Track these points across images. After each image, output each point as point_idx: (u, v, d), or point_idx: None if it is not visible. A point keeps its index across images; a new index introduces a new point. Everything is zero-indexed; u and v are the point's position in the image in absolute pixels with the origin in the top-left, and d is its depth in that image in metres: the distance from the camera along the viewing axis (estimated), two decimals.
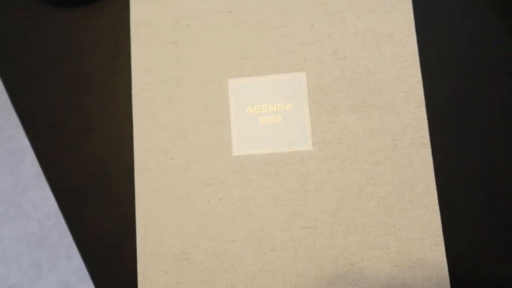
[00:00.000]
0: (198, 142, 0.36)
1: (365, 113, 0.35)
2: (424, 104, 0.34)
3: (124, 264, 0.36)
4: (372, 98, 0.35)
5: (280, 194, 0.35)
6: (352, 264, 0.33)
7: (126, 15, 0.39)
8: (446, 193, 0.34)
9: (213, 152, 0.36)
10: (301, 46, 0.36)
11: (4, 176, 1.22)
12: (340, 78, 0.35)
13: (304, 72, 0.36)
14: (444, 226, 0.33)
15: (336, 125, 0.35)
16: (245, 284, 0.34)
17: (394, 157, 0.34)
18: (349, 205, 0.34)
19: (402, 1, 0.36)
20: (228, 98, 0.36)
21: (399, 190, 0.34)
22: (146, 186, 0.36)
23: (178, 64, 0.37)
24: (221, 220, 0.35)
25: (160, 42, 0.38)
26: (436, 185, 0.34)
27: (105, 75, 0.39)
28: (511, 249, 0.33)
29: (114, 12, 0.41)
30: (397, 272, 0.33)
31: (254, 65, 0.36)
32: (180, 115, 0.37)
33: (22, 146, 1.23)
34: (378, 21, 0.36)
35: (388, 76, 0.35)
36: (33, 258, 1.17)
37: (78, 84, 0.40)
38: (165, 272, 0.35)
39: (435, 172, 0.34)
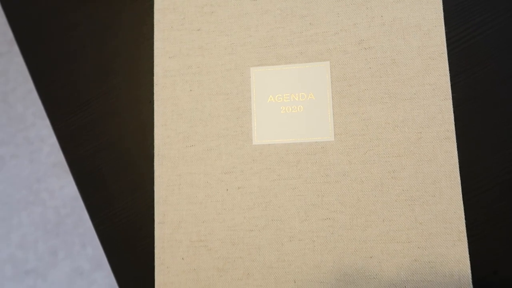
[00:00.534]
0: (218, 130, 0.36)
1: (389, 105, 0.34)
2: (451, 97, 0.33)
3: (141, 250, 0.37)
4: (397, 89, 0.34)
5: (299, 184, 0.34)
6: (371, 257, 0.33)
7: (151, 1, 0.39)
8: (471, 189, 0.33)
9: (233, 140, 0.36)
10: (325, 35, 0.36)
11: (24, 163, 1.24)
12: (364, 68, 0.35)
13: (327, 62, 0.35)
14: (468, 222, 0.33)
15: (359, 116, 0.34)
16: (262, 273, 0.34)
17: (418, 150, 0.33)
18: (370, 198, 0.33)
19: None
20: (250, 86, 0.36)
21: (421, 184, 0.33)
22: (165, 172, 0.36)
23: (200, 51, 0.37)
24: (239, 209, 0.35)
25: (183, 29, 0.38)
26: (461, 180, 0.33)
27: (128, 62, 0.40)
28: None
29: None
30: (417, 267, 0.32)
31: (277, 54, 0.36)
32: (201, 103, 0.36)
33: (41, 135, 1.25)
34: (406, 11, 0.35)
35: (414, 67, 0.34)
36: (48, 245, 1.19)
37: (100, 70, 0.40)
38: (182, 258, 0.35)
39: (459, 167, 0.33)
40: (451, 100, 0.33)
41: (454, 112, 0.34)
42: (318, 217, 0.34)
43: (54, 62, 0.41)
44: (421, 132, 0.33)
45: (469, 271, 0.31)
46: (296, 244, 0.34)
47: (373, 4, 0.35)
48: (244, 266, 0.34)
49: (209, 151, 0.36)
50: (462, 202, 0.32)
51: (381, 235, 0.33)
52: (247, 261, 0.34)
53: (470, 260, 0.32)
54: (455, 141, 0.33)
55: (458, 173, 0.33)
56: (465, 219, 0.32)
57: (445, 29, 0.35)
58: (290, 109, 0.35)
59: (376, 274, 0.32)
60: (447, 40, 0.35)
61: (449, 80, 0.34)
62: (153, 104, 0.38)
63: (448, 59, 0.34)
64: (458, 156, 0.33)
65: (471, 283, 0.31)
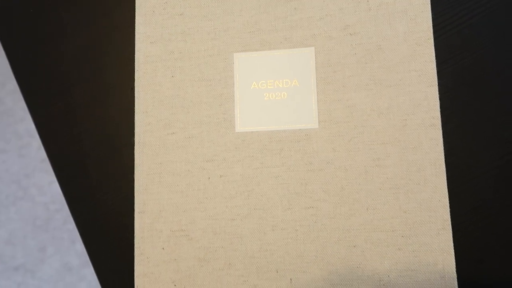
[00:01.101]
0: (200, 117, 0.35)
1: (374, 92, 0.33)
2: (437, 84, 0.33)
3: (121, 240, 0.36)
4: (382, 76, 0.33)
5: (283, 172, 0.34)
6: (354, 247, 0.32)
7: None
8: (456, 177, 0.33)
9: (216, 128, 0.35)
10: (310, 20, 0.35)
11: (13, 158, 1.22)
12: (349, 54, 0.34)
13: (312, 47, 0.34)
14: (452, 211, 0.32)
15: (343, 103, 0.34)
16: (244, 263, 0.33)
17: (403, 138, 0.33)
18: (354, 186, 0.33)
19: None
20: (233, 72, 0.35)
21: (406, 171, 0.32)
22: (146, 160, 0.35)
23: (183, 36, 0.36)
24: (221, 198, 0.34)
25: (165, 14, 0.37)
26: (446, 168, 0.32)
27: (109, 47, 0.39)
28: None
29: None
30: (401, 256, 0.31)
31: (261, 40, 0.35)
32: (183, 89, 0.36)
33: (30, 129, 1.23)
34: None
35: (400, 54, 0.34)
36: (37, 241, 1.17)
37: (80, 56, 0.39)
38: (163, 248, 0.34)
39: (445, 155, 0.32)
40: (437, 87, 0.33)
41: (440, 100, 0.33)
42: (301, 205, 0.33)
43: (32, 48, 0.40)
44: (406, 119, 0.33)
45: (453, 260, 0.31)
46: (279, 233, 0.33)
47: None
48: (225, 256, 0.33)
49: (190, 139, 0.35)
50: (447, 191, 0.32)
51: (365, 224, 0.32)
52: (228, 250, 0.33)
53: (455, 249, 0.31)
54: (440, 128, 0.32)
55: (443, 161, 0.32)
56: (450, 207, 0.32)
57: (432, 15, 0.34)
58: (274, 95, 0.35)
59: (359, 263, 0.32)
60: (434, 26, 0.34)
61: (435, 67, 0.33)
62: (134, 91, 0.37)
63: (435, 46, 0.34)
64: (444, 144, 0.33)
65: (455, 272, 0.31)
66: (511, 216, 0.32)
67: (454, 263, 0.31)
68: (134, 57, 0.37)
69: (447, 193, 0.32)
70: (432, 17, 0.34)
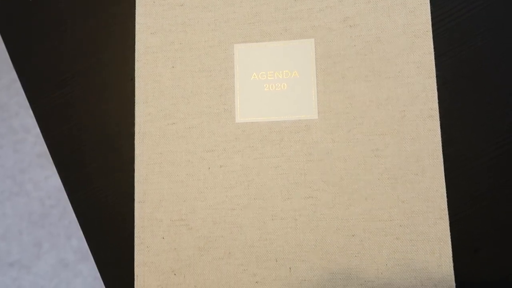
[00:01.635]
0: (201, 108, 0.35)
1: (373, 83, 0.34)
2: (435, 75, 0.33)
3: (121, 230, 0.36)
4: (381, 67, 0.34)
5: (282, 162, 0.34)
6: (353, 236, 0.32)
7: None
8: (454, 167, 0.33)
9: (216, 118, 0.35)
10: (310, 12, 0.35)
11: (8, 153, 1.22)
12: (349, 46, 0.34)
13: (312, 39, 0.35)
14: (450, 201, 0.32)
15: (343, 94, 0.34)
16: (243, 252, 0.33)
17: (401, 129, 0.33)
18: (353, 176, 0.33)
19: None
20: (233, 63, 0.35)
21: (404, 162, 0.33)
22: (146, 150, 0.35)
23: (183, 27, 0.36)
24: (221, 188, 0.34)
25: (166, 4, 0.37)
26: (444, 159, 0.33)
27: (109, 38, 0.39)
28: None
29: None
30: (399, 245, 0.32)
31: (261, 31, 0.35)
32: (183, 80, 0.36)
33: (25, 124, 1.22)
34: None
35: (399, 45, 0.34)
36: (33, 236, 1.17)
37: (80, 47, 0.39)
38: (163, 238, 0.34)
39: (442, 146, 0.33)
40: (435, 79, 0.33)
41: (438, 91, 0.33)
42: (300, 195, 0.33)
43: (32, 39, 0.40)
44: (404, 111, 0.33)
45: (450, 249, 0.31)
46: (278, 223, 0.33)
47: None
48: (225, 245, 0.34)
49: (191, 129, 0.35)
50: (444, 181, 0.32)
51: (364, 214, 0.32)
52: (228, 240, 0.34)
53: (451, 238, 0.32)
54: (438, 119, 0.33)
55: (441, 151, 0.33)
56: (447, 197, 0.32)
57: (431, 7, 0.34)
58: (274, 86, 0.35)
59: (358, 252, 0.32)
60: (433, 19, 0.35)
61: (434, 59, 0.34)
62: (134, 82, 0.37)
63: (434, 38, 0.34)
64: (442, 135, 0.33)
65: (451, 261, 0.31)
66: (508, 206, 0.33)
67: (451, 252, 0.31)
68: (134, 47, 0.37)
69: (444, 183, 0.32)
70: (431, 10, 0.34)
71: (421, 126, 0.33)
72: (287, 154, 0.34)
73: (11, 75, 1.22)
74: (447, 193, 0.32)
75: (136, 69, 0.37)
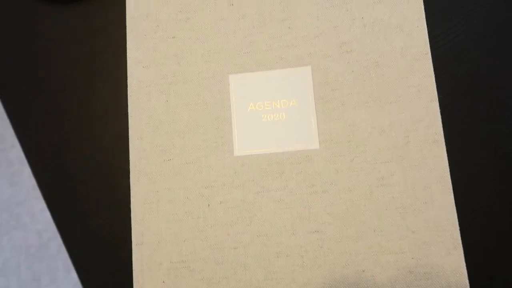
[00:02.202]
0: (197, 142, 0.34)
1: (374, 109, 0.33)
2: (437, 98, 0.32)
3: (119, 274, 0.34)
4: (381, 93, 0.33)
5: (285, 196, 0.32)
6: (363, 271, 0.31)
7: (122, 9, 0.37)
8: (463, 193, 0.32)
9: (213, 152, 0.34)
10: (305, 39, 0.34)
11: (4, 186, 1.20)
12: (347, 72, 0.33)
13: (309, 66, 0.34)
14: (462, 228, 0.31)
15: (343, 122, 0.33)
16: None
17: (406, 155, 0.32)
18: (359, 207, 0.31)
19: None
20: (229, 94, 0.34)
21: (412, 190, 0.31)
22: (142, 189, 0.34)
23: (176, 59, 0.35)
24: (222, 225, 0.33)
25: (157, 37, 0.36)
26: (452, 184, 0.31)
27: (101, 72, 0.38)
28: None
29: (109, 6, 0.39)
30: (412, 279, 0.30)
31: (257, 60, 0.34)
32: (178, 114, 0.35)
33: (21, 156, 1.21)
34: (387, 12, 0.34)
35: (398, 69, 0.33)
36: (32, 270, 1.14)
37: (72, 82, 0.38)
38: (163, 282, 0.33)
39: (450, 171, 0.32)
40: (437, 102, 0.32)
41: (441, 114, 0.32)
42: (306, 230, 0.32)
43: (22, 74, 0.39)
44: (408, 136, 0.32)
45: (467, 280, 0.30)
46: (284, 261, 0.32)
47: (353, 6, 0.34)
48: (229, 287, 0.32)
49: (188, 165, 0.34)
50: (455, 208, 0.31)
51: (373, 247, 0.31)
52: (232, 281, 0.32)
53: (467, 269, 0.30)
54: (444, 144, 0.32)
55: (449, 177, 0.31)
56: (459, 225, 0.31)
57: (427, 28, 0.34)
58: (272, 117, 0.34)
59: None
60: (430, 39, 0.34)
61: (434, 81, 0.33)
62: (127, 117, 0.36)
63: (432, 59, 0.33)
64: (448, 159, 0.32)
65: None
66: None
67: (468, 284, 0.30)
68: (126, 81, 0.36)
69: (455, 210, 0.31)
70: (428, 31, 0.34)
71: (427, 152, 0.32)
72: (289, 186, 0.32)
73: None
74: (458, 220, 0.31)
75: (129, 104, 0.35)
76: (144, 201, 0.34)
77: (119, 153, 0.36)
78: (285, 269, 0.31)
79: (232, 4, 0.36)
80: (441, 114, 0.32)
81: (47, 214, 1.16)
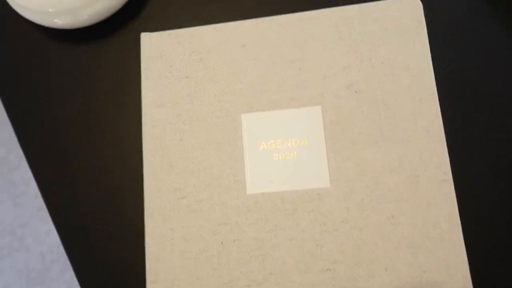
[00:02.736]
0: (210, 180, 0.35)
1: (383, 148, 0.34)
2: (444, 139, 0.33)
3: None
4: (390, 132, 0.34)
5: (297, 234, 0.33)
6: None
7: (137, 50, 0.39)
8: (472, 231, 0.33)
9: (227, 190, 0.34)
10: (316, 80, 0.35)
11: (8, 208, 1.20)
12: (356, 112, 0.34)
13: (319, 106, 0.35)
14: (472, 267, 0.31)
15: (354, 161, 0.34)
16: None
17: (416, 194, 0.32)
18: (370, 246, 0.32)
19: (417, 34, 0.35)
20: (241, 133, 0.35)
21: (422, 229, 0.32)
22: (156, 226, 0.34)
23: (190, 99, 0.36)
24: (236, 263, 0.33)
25: (171, 77, 0.37)
26: (461, 222, 0.32)
27: (115, 112, 0.39)
28: None
29: (124, 47, 0.40)
30: None
31: (268, 100, 0.36)
32: (191, 152, 0.35)
33: (25, 178, 1.21)
34: (394, 53, 0.35)
35: (406, 110, 0.34)
36: None
37: (87, 120, 0.39)
38: None
39: (459, 209, 0.32)
40: (445, 142, 0.33)
41: (449, 154, 0.33)
42: (318, 268, 0.32)
43: (36, 111, 0.40)
44: (418, 176, 0.33)
45: None
46: None
47: (361, 47, 0.35)
48: None
49: (201, 203, 0.34)
50: (464, 246, 0.31)
51: (385, 286, 0.31)
52: None
53: None
54: (452, 183, 0.32)
55: (458, 216, 0.32)
56: (469, 263, 0.31)
57: (434, 67, 0.35)
58: (284, 155, 0.34)
59: None
60: (436, 79, 0.35)
61: (442, 122, 0.34)
62: (141, 155, 0.37)
63: (439, 98, 0.34)
64: (457, 198, 0.32)
65: None
66: None
67: None
68: (141, 121, 0.37)
69: (464, 249, 0.31)
70: (434, 70, 0.35)
71: (436, 191, 0.32)
72: (301, 224, 0.33)
73: (9, 129, 1.22)
74: (468, 258, 0.31)
75: (143, 143, 0.36)
76: (158, 239, 0.34)
77: (134, 191, 0.37)
78: None
79: (244, 46, 0.37)
80: (449, 154, 0.33)
81: (50, 237, 1.16)
